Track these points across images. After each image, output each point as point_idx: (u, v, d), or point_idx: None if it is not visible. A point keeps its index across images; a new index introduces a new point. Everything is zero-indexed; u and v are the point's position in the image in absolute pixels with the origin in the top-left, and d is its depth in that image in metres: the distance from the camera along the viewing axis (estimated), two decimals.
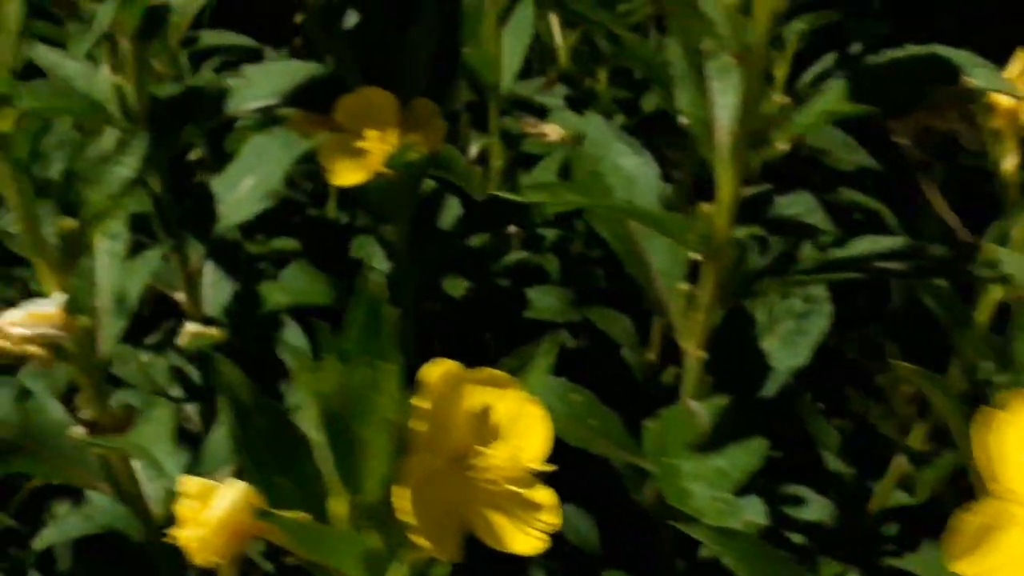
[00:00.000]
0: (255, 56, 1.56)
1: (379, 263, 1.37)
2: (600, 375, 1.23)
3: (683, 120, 1.22)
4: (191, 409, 1.18)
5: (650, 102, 1.70)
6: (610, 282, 1.49)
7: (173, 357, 1.19)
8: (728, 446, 0.74)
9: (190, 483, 0.50)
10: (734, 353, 0.91)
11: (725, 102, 0.75)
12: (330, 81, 1.01)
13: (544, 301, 1.35)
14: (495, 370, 0.53)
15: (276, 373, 1.12)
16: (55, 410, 0.88)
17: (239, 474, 0.53)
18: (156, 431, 0.67)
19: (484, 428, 0.53)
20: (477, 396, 0.53)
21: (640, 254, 0.84)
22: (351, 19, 0.95)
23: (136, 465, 0.87)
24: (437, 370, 0.51)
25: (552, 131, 1.27)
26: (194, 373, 1.20)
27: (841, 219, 1.34)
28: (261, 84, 1.00)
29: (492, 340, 1.36)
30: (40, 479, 0.97)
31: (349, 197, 1.43)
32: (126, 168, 0.67)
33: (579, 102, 1.68)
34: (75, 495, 1.23)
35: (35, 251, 0.68)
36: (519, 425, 0.53)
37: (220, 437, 0.91)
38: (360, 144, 0.89)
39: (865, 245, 0.81)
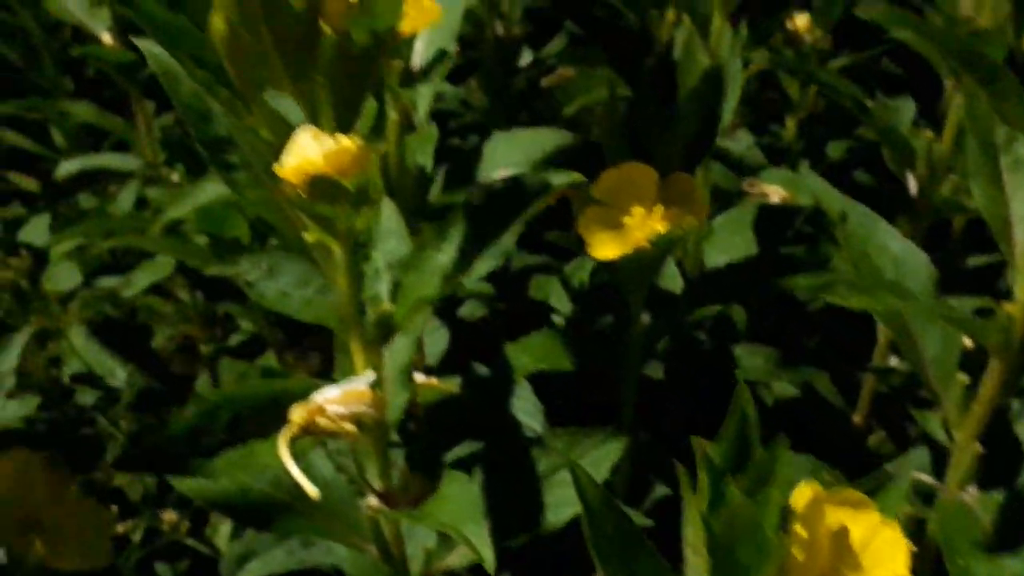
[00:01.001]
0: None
1: (560, 303, 1.38)
2: (812, 439, 1.22)
3: (913, 189, 1.20)
4: (396, 454, 1.20)
5: (837, 149, 1.69)
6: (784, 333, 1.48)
7: None
8: (1021, 548, 0.73)
9: None
10: (990, 440, 0.90)
11: (1022, 196, 0.74)
12: (574, 150, 1.03)
13: (752, 360, 1.34)
14: (853, 491, 0.54)
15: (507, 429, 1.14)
16: (324, 470, 0.91)
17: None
18: (463, 509, 0.69)
19: (844, 550, 0.53)
20: (834, 516, 0.53)
21: (913, 339, 0.83)
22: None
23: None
24: (803, 492, 0.52)
25: (774, 192, 1.26)
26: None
27: None
28: (511, 151, 1.02)
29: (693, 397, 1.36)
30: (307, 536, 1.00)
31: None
32: (446, 256, 0.70)
33: (766, 149, 1.68)
34: None
35: (351, 331, 0.71)
36: (875, 547, 0.54)
37: None
38: (623, 219, 0.90)
39: None
